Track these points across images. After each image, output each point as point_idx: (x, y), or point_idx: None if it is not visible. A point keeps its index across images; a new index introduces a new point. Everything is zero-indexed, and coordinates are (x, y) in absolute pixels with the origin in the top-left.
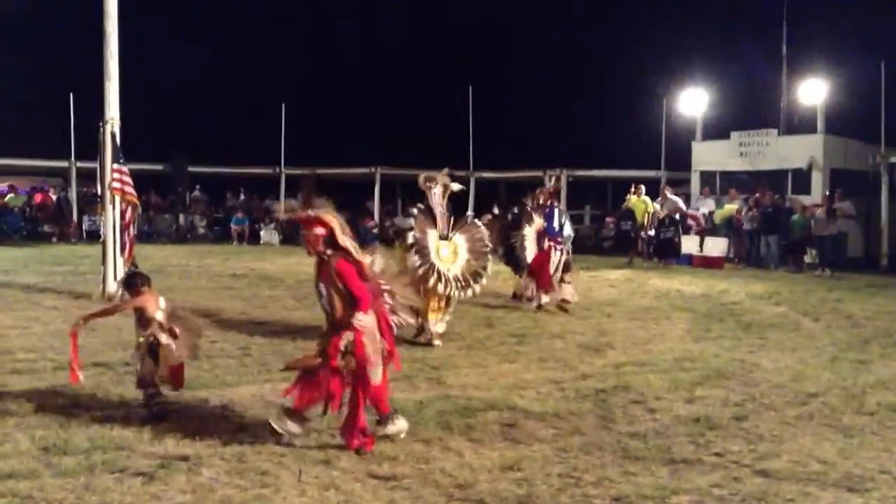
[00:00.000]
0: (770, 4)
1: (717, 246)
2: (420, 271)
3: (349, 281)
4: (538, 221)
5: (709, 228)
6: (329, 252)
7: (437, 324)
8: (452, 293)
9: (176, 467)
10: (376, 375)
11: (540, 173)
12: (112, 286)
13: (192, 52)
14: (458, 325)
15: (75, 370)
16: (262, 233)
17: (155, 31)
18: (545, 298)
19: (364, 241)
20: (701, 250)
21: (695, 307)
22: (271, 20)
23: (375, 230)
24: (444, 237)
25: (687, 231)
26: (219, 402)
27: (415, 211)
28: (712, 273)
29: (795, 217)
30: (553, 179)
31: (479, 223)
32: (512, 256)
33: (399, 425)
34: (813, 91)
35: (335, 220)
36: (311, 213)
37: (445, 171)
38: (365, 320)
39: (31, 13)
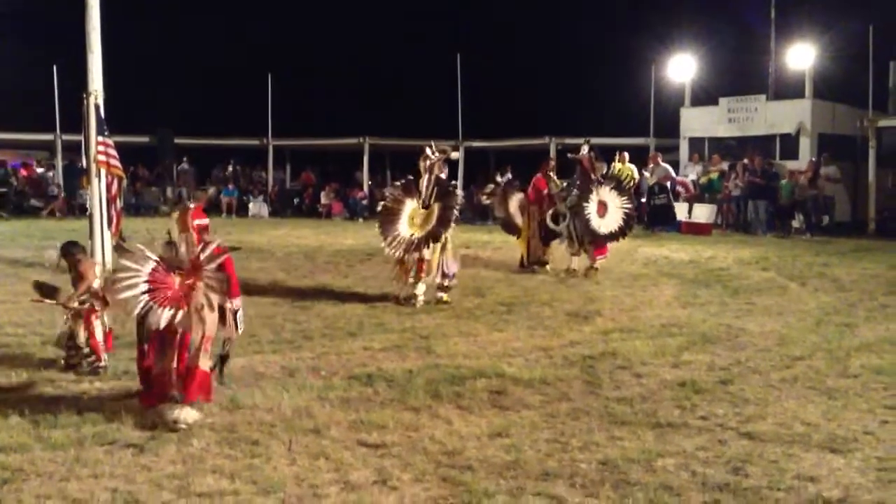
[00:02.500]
0: None
1: (704, 212)
2: (380, 237)
3: None
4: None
5: (698, 195)
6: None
7: (417, 286)
8: (398, 254)
9: (166, 438)
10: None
11: (530, 141)
12: (99, 260)
13: (176, 22)
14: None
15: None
16: (250, 205)
17: (137, 1)
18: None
19: (354, 211)
20: (689, 217)
21: (682, 273)
22: None
23: (365, 201)
24: (425, 205)
25: (676, 198)
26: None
27: (397, 184)
28: (700, 239)
29: (783, 182)
30: (583, 148)
31: (458, 192)
32: (588, 227)
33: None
34: (801, 56)
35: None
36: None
37: (432, 144)
38: None
39: None
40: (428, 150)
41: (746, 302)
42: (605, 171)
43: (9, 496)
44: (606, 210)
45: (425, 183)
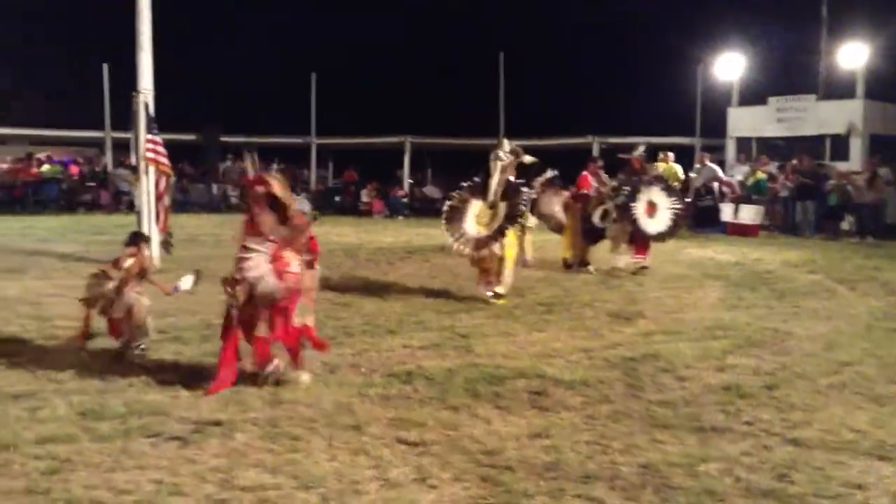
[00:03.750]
0: None
1: (751, 213)
2: (446, 236)
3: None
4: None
5: (744, 196)
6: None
7: (487, 283)
8: (466, 252)
9: (210, 432)
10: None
11: (573, 140)
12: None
13: (223, 22)
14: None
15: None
16: None
17: (186, 1)
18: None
19: (395, 209)
20: (736, 217)
21: (728, 275)
22: None
23: (405, 199)
24: (492, 205)
25: (722, 198)
26: (250, 369)
27: (464, 185)
28: (747, 240)
29: (832, 183)
30: (638, 149)
31: (525, 189)
32: (636, 226)
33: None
34: (853, 55)
35: (276, 181)
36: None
37: (505, 143)
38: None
39: None
40: (500, 152)
41: (793, 305)
42: (656, 173)
43: (57, 486)
44: (655, 210)
45: (494, 183)
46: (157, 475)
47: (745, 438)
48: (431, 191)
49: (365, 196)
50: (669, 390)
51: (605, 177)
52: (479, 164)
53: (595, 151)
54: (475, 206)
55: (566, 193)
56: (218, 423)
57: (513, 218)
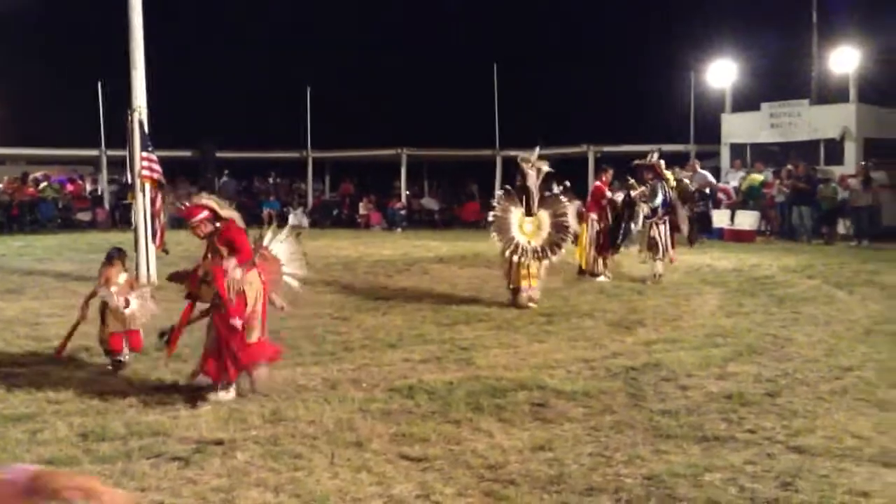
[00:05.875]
0: None
1: (747, 219)
2: (499, 245)
3: (236, 238)
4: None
5: (740, 202)
6: (216, 226)
7: (530, 289)
8: (529, 262)
9: (211, 452)
10: (251, 334)
11: (568, 150)
12: (144, 271)
13: (216, 37)
14: (486, 305)
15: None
16: (290, 216)
17: (179, 18)
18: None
19: (393, 222)
20: (732, 224)
21: (726, 282)
22: (295, 3)
23: (403, 211)
24: (530, 213)
25: (717, 205)
26: (251, 386)
27: (500, 193)
28: (744, 247)
29: (822, 187)
30: (652, 155)
31: (564, 198)
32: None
33: (228, 396)
34: (844, 59)
35: (212, 201)
36: (188, 204)
37: (536, 151)
38: (233, 267)
39: (57, 2)
40: (524, 166)
41: (792, 311)
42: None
43: None
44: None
45: (534, 193)
46: (159, 496)
47: (749, 447)
48: (429, 202)
49: (362, 209)
50: (671, 399)
51: (634, 183)
52: (474, 174)
53: (590, 160)
54: (516, 214)
55: (578, 203)
56: (219, 443)
57: (563, 227)
